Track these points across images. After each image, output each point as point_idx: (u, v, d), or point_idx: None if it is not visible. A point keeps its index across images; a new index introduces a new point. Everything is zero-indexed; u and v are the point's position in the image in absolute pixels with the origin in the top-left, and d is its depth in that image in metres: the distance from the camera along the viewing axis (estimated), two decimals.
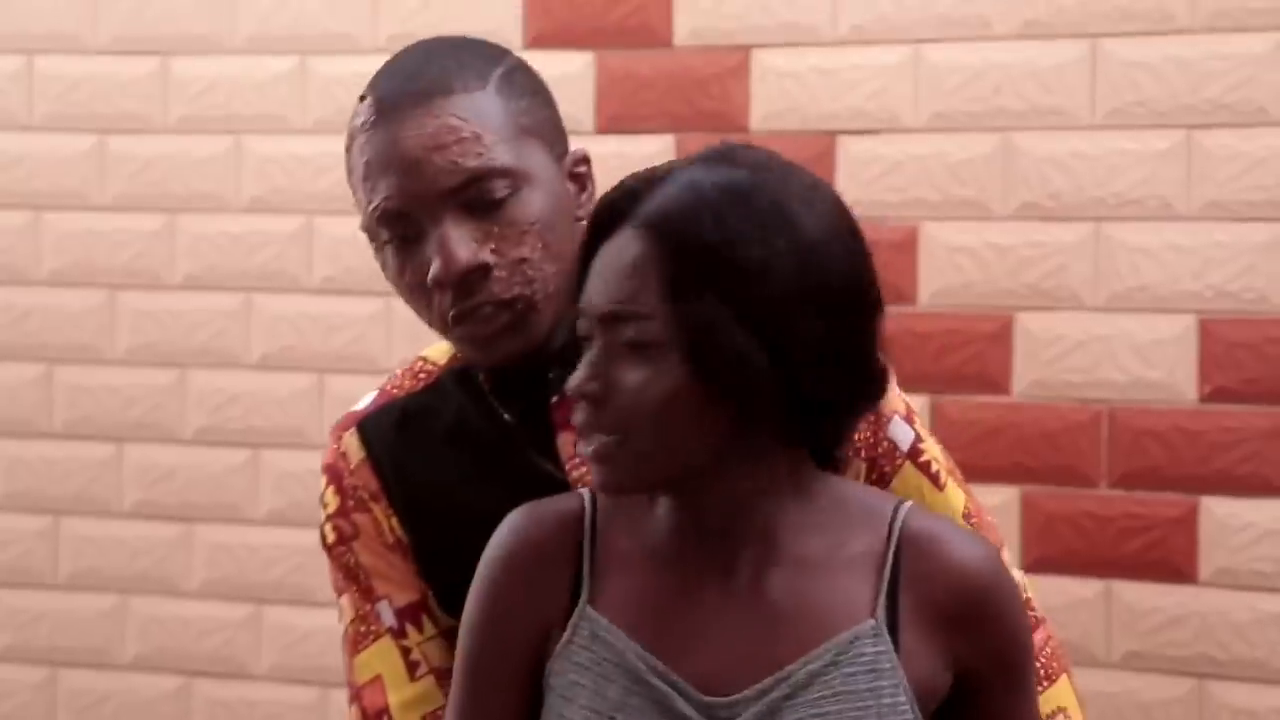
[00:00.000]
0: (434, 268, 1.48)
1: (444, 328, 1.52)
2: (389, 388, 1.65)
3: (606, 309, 1.31)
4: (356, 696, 1.61)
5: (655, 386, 1.29)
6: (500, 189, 1.49)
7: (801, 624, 1.32)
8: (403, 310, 2.94)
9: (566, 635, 1.36)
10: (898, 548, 1.34)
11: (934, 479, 1.58)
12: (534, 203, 1.50)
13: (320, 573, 2.99)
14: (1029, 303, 2.64)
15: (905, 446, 1.57)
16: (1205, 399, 2.57)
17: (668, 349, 1.29)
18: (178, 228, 3.04)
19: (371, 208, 1.50)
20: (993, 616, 1.34)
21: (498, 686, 1.38)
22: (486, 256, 1.49)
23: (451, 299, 1.49)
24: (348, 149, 1.54)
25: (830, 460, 1.38)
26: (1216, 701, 2.56)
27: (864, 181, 2.71)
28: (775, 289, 1.29)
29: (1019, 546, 2.65)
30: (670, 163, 1.36)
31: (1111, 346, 2.60)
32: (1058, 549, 2.62)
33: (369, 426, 1.62)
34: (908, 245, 2.69)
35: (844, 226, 1.34)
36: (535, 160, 1.52)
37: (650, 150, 2.80)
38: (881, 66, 2.70)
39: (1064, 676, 1.59)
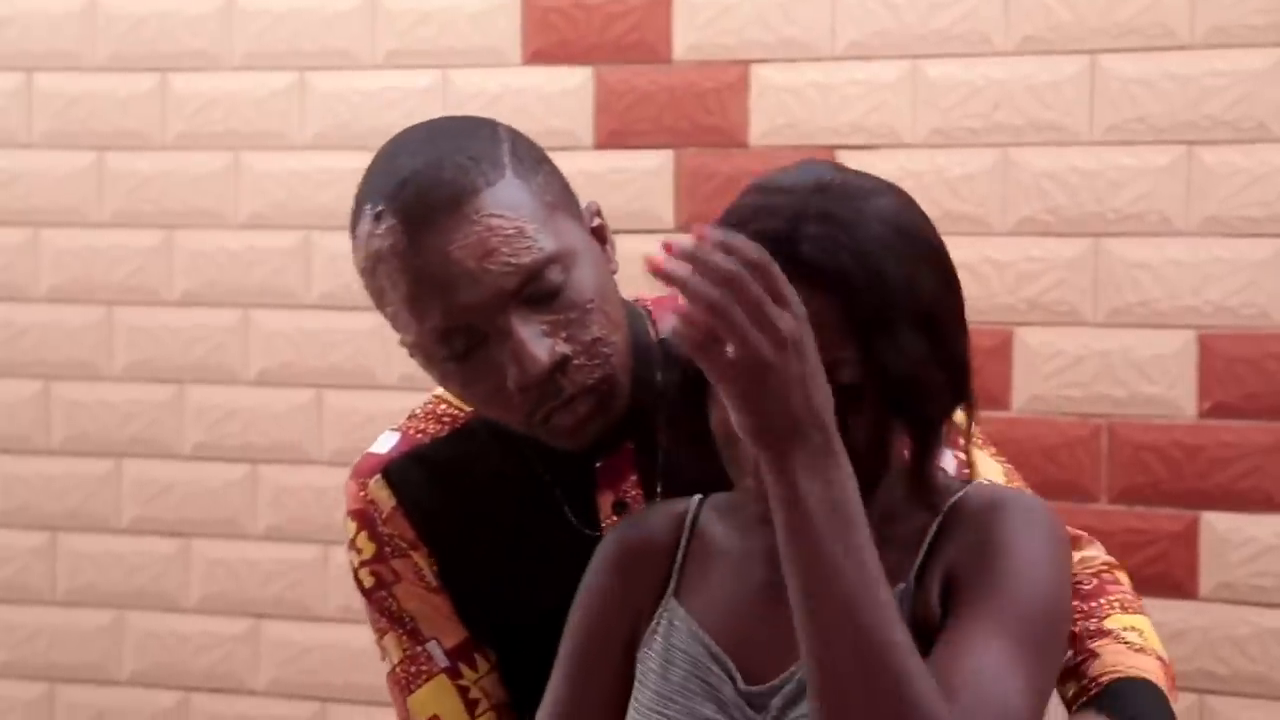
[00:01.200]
0: (514, 374, 1.44)
1: (528, 426, 1.49)
2: (411, 431, 1.61)
3: None
4: None
5: (859, 428, 1.30)
6: (556, 276, 1.45)
7: None
8: None
9: (652, 624, 1.41)
10: (943, 521, 1.35)
11: None
12: (586, 279, 1.47)
13: (318, 587, 2.98)
14: (1028, 318, 2.64)
15: (952, 470, 1.55)
16: (1205, 414, 2.57)
17: (864, 390, 1.30)
18: (176, 244, 3.04)
19: (428, 328, 1.44)
20: (982, 520, 1.32)
21: (593, 674, 1.43)
22: (563, 348, 1.45)
23: (537, 399, 1.46)
24: (370, 271, 1.46)
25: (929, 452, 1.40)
26: (1218, 717, 2.56)
27: None
28: (944, 311, 1.32)
29: None
30: (778, 196, 1.32)
31: (1111, 362, 2.61)
32: None
33: (395, 474, 1.59)
34: None
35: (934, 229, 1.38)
36: (571, 234, 1.48)
37: (649, 165, 2.80)
38: (880, 82, 2.70)
39: (1145, 616, 1.55)
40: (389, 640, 1.61)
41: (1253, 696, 2.55)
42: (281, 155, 2.98)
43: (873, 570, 1.22)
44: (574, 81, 2.84)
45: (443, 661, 1.60)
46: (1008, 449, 2.64)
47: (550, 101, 2.85)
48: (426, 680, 1.60)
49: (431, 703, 1.60)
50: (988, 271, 2.66)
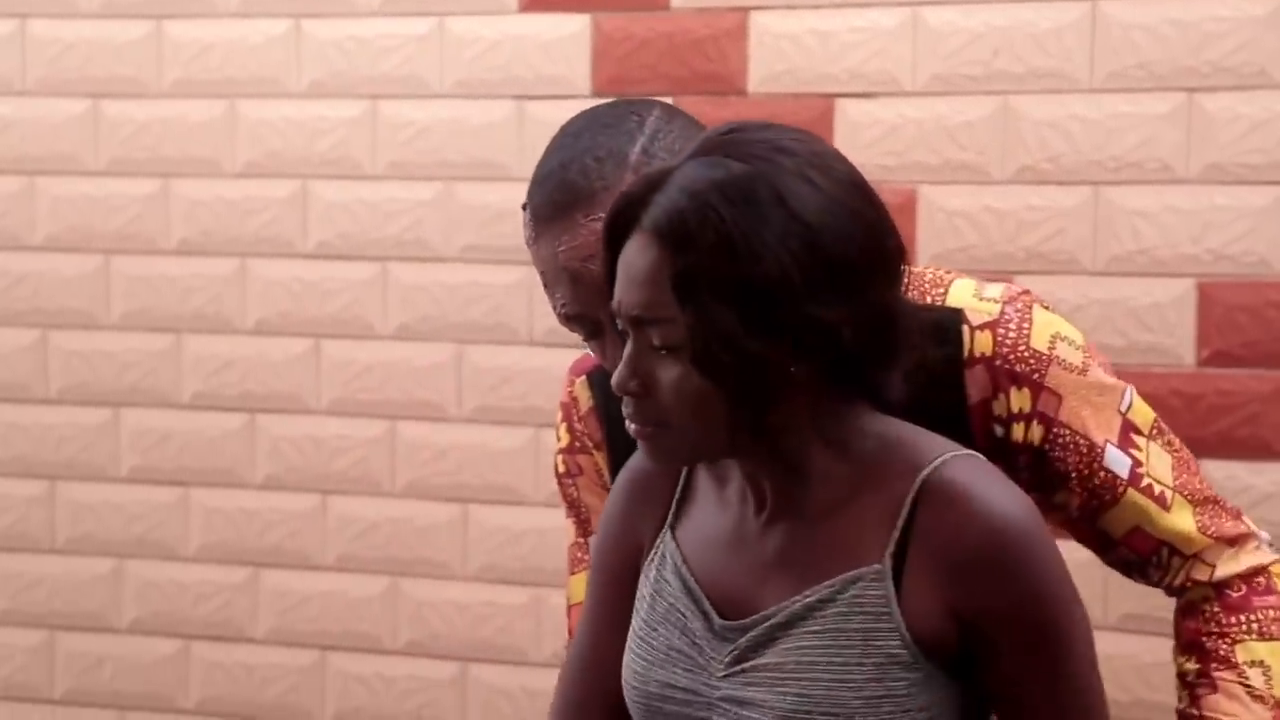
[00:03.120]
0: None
1: None
2: None
3: (633, 314, 1.37)
4: (569, 612, 1.78)
5: (686, 384, 1.35)
6: None
7: (817, 563, 1.40)
8: (398, 275, 2.93)
9: (650, 555, 1.51)
10: (917, 496, 1.37)
11: (1159, 500, 1.57)
12: None
13: (316, 536, 2.99)
14: (1028, 266, 2.63)
15: (1125, 474, 1.57)
16: (1204, 363, 2.57)
17: (687, 350, 1.35)
18: (172, 193, 3.03)
19: (557, 313, 1.58)
20: (1000, 570, 1.34)
21: (610, 601, 1.54)
22: None
23: None
24: (528, 248, 1.61)
25: (886, 405, 1.42)
26: None
27: (862, 145, 2.70)
28: (780, 279, 1.32)
29: None
30: (674, 159, 1.39)
31: (1110, 310, 2.60)
32: None
33: (599, 378, 1.73)
34: (906, 209, 2.68)
35: (850, 193, 1.36)
36: None
37: None
38: (880, 29, 2.68)
39: (1278, 643, 1.58)
40: (568, 522, 1.79)
41: None
42: (277, 103, 2.96)
43: None
44: (571, 28, 2.83)
45: None
46: None
47: (547, 49, 2.84)
48: (584, 569, 1.76)
49: (581, 590, 1.76)
50: (987, 220, 2.65)
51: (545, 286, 1.57)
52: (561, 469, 1.78)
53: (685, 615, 1.44)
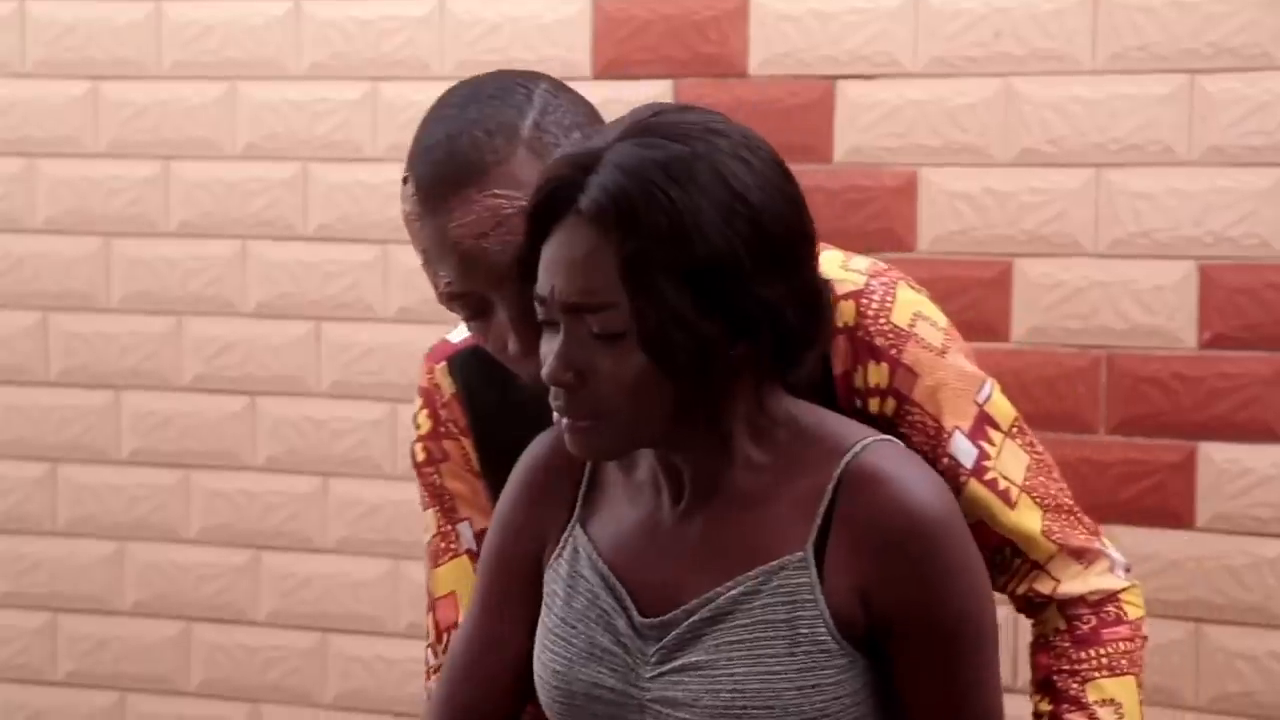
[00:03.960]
0: (510, 345, 1.51)
1: (538, 383, 1.55)
2: None
3: (570, 301, 1.33)
4: (432, 607, 1.70)
5: (624, 372, 1.32)
6: None
7: (739, 553, 1.38)
8: (399, 257, 2.93)
9: (557, 550, 1.47)
10: (839, 483, 1.36)
11: (1003, 496, 1.54)
12: None
13: (317, 518, 2.99)
14: (1028, 249, 2.63)
15: (969, 464, 1.53)
16: (1205, 345, 2.57)
17: (631, 337, 1.32)
18: (172, 174, 3.02)
19: (439, 292, 1.52)
20: (910, 553, 1.34)
21: (505, 589, 1.50)
22: None
23: (536, 369, 1.52)
24: (406, 226, 1.54)
25: (795, 386, 1.41)
26: (1213, 645, 2.57)
27: (863, 127, 2.69)
28: (730, 259, 1.31)
29: None
30: (596, 139, 1.35)
31: (1111, 293, 2.60)
32: None
33: (460, 364, 1.69)
34: (907, 191, 2.68)
35: (779, 173, 1.36)
36: None
37: (648, 95, 2.78)
38: (881, 10, 2.68)
39: (1131, 677, 1.53)
40: (429, 515, 1.71)
41: (1248, 625, 2.56)
42: (278, 85, 2.96)
43: None
44: (571, 10, 2.82)
45: (469, 543, 1.69)
46: (1006, 380, 2.64)
47: (548, 30, 2.83)
48: (452, 558, 1.69)
49: (451, 579, 1.69)
50: (988, 202, 2.65)
51: (425, 264, 1.51)
52: (421, 457, 1.71)
53: (608, 612, 1.41)
